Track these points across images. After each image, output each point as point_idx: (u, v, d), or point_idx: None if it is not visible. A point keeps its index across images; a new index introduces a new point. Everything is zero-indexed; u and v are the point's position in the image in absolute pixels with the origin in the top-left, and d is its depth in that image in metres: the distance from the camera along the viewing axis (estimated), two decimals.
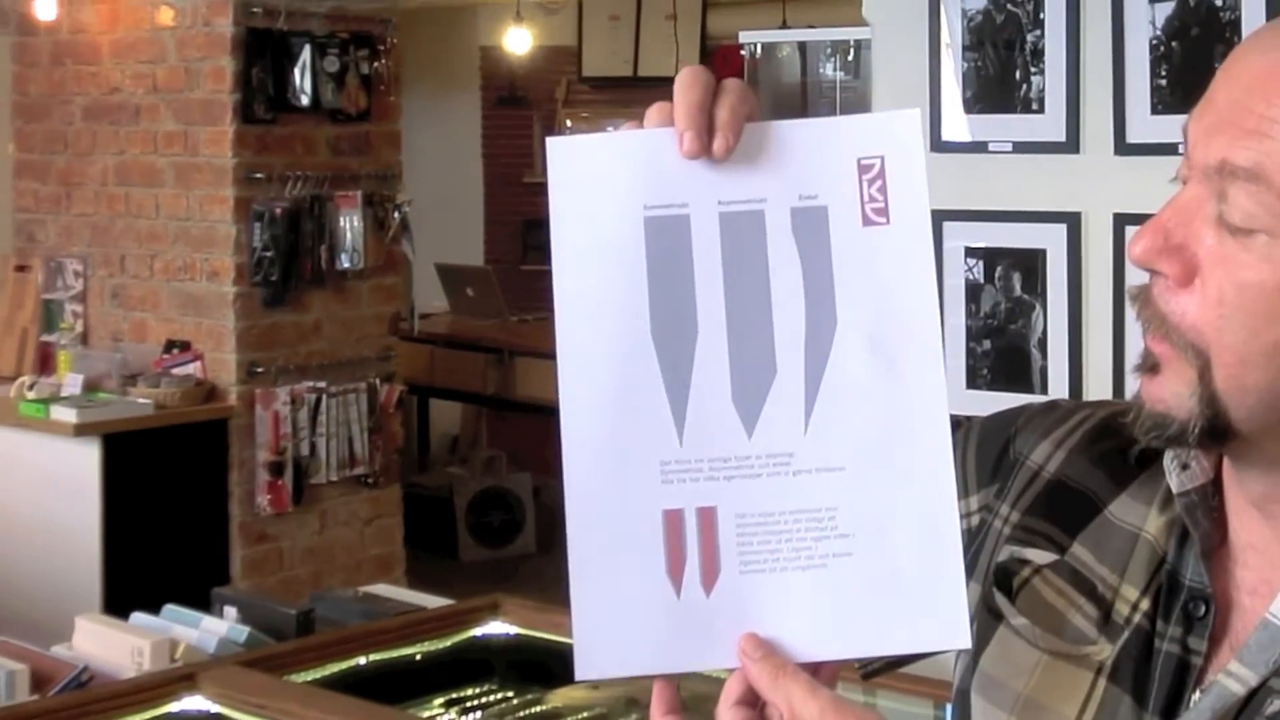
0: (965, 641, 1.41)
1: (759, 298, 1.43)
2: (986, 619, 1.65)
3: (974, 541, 1.69)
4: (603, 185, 1.43)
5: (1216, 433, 1.41)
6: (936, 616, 1.41)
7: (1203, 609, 1.51)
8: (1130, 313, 1.49)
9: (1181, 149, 1.46)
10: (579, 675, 1.41)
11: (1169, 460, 1.55)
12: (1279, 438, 1.42)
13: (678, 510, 1.41)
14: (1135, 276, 1.47)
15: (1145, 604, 1.55)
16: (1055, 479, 1.68)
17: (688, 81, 1.41)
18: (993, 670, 1.63)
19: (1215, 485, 1.54)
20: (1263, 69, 1.39)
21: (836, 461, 1.42)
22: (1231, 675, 1.44)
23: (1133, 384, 1.47)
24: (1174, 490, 1.54)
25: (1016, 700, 1.59)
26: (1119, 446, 1.63)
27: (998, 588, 1.65)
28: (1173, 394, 1.42)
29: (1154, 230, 1.41)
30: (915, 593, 1.41)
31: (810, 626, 1.41)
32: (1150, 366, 1.44)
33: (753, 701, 1.40)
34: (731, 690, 1.41)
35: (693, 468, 1.42)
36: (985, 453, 1.73)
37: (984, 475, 1.72)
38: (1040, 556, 1.64)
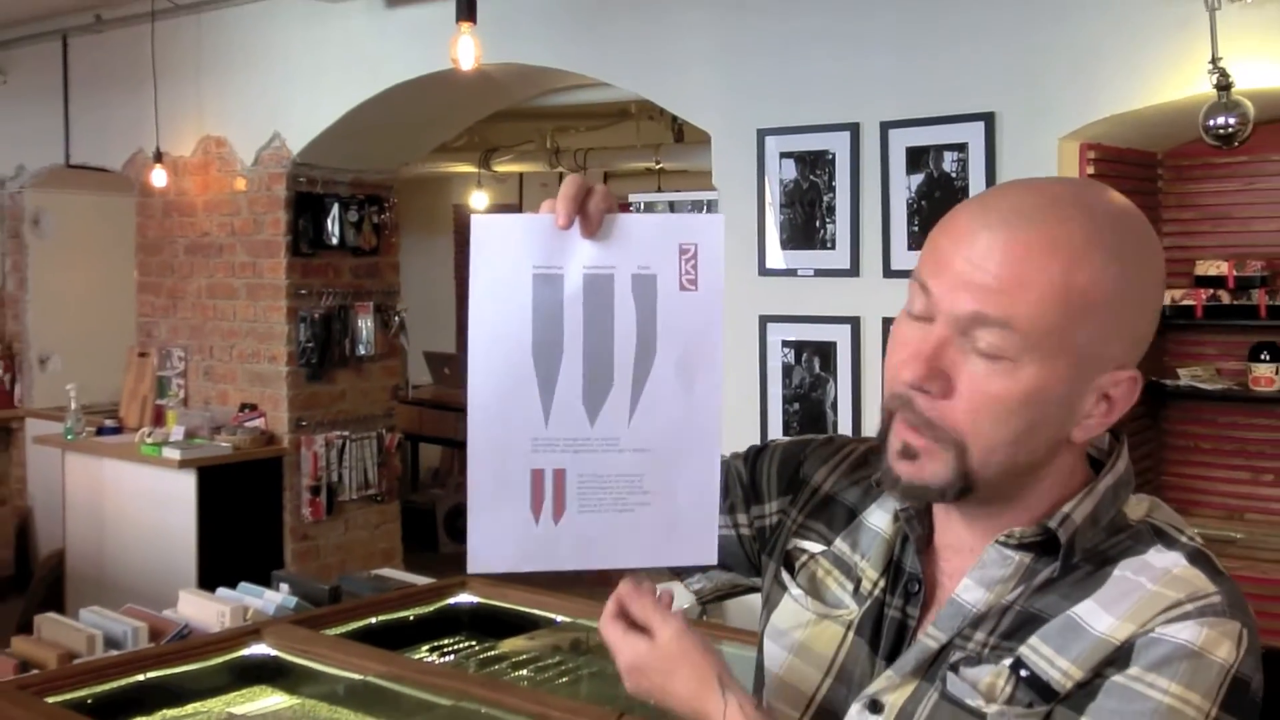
0: (713, 559, 1.50)
1: (606, 333, 1.47)
2: (776, 588, 1.69)
3: (774, 534, 1.72)
4: (506, 249, 1.46)
5: (964, 492, 1.43)
6: (698, 545, 1.51)
7: (916, 587, 1.54)
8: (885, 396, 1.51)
9: (919, 290, 1.44)
10: (470, 570, 1.49)
11: None
12: (1000, 488, 1.44)
13: (540, 470, 1.48)
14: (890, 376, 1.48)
15: (882, 583, 1.58)
16: (828, 494, 1.70)
17: (568, 182, 1.46)
18: (779, 624, 1.65)
19: (927, 505, 1.56)
20: (1000, 243, 1.37)
21: (646, 445, 1.49)
22: (929, 635, 1.48)
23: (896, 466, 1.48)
24: (898, 507, 1.58)
25: (793, 645, 1.62)
26: (872, 473, 1.65)
27: (784, 567, 1.68)
28: (931, 473, 1.43)
29: (920, 361, 1.41)
30: (687, 530, 1.50)
31: (622, 548, 1.49)
32: (911, 455, 1.44)
33: (625, 616, 1.53)
34: (610, 608, 1.55)
35: (553, 443, 1.48)
36: (784, 472, 1.75)
37: (782, 488, 1.74)
38: (813, 547, 1.67)
